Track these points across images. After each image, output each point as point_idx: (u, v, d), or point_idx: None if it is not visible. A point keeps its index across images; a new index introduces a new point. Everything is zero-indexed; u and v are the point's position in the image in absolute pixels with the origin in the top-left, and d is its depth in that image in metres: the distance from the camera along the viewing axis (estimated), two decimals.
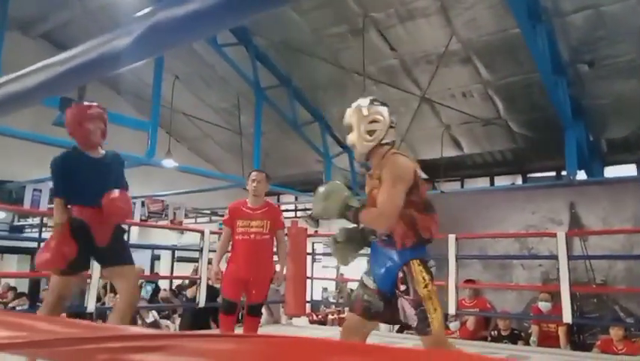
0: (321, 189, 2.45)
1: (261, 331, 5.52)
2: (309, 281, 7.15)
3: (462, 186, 12.76)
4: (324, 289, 14.08)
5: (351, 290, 14.38)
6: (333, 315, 10.02)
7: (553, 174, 11.41)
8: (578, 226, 7.07)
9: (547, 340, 5.79)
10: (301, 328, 6.01)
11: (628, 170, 10.41)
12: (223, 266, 4.05)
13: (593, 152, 10.01)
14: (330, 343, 0.56)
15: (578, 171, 9.32)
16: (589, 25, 8.29)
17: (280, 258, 4.16)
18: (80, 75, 0.90)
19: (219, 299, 4.65)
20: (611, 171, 10.36)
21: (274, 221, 4.02)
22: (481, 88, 10.20)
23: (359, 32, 9.69)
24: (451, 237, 5.67)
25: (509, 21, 8.27)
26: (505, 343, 5.88)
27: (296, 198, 15.66)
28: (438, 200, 9.74)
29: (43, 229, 15.01)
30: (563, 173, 9.86)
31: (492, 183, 12.41)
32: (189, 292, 7.19)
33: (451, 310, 5.52)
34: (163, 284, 10.79)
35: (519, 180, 12.13)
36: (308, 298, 7.00)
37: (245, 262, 3.84)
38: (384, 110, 2.56)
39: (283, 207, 16.81)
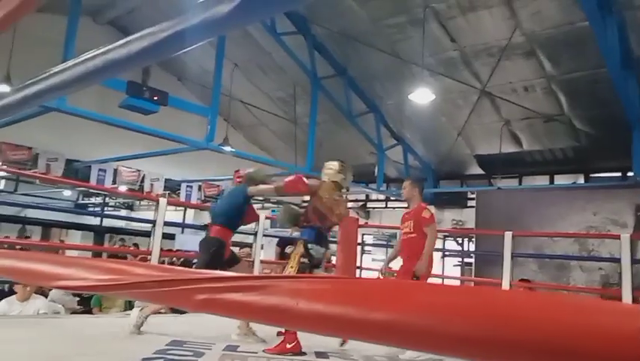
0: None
1: None
2: (358, 271, 7.21)
3: (520, 184, 12.41)
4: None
5: None
6: None
7: (618, 174, 10.90)
8: None
9: None
10: None
11: None
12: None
13: None
14: (416, 285, 0.60)
15: None
16: None
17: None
18: (182, 40, 0.97)
19: None
20: None
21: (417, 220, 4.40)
22: (544, 82, 9.87)
23: (419, 23, 9.57)
24: (508, 234, 5.55)
25: (577, 13, 7.96)
26: None
27: (348, 189, 15.70)
28: (494, 196, 9.55)
29: (105, 209, 15.77)
30: (630, 174, 9.42)
31: (552, 181, 12.00)
32: None
33: None
34: None
35: (580, 180, 11.68)
36: None
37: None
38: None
39: None
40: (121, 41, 1.09)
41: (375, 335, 0.50)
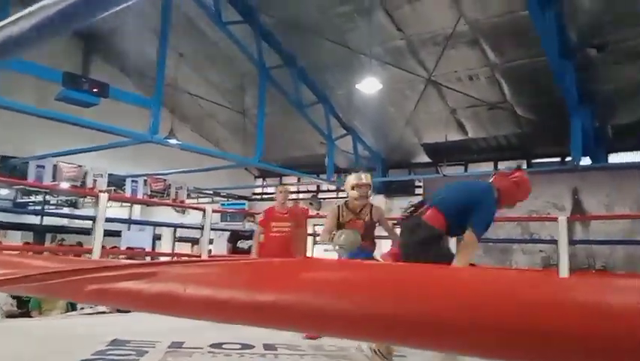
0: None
1: None
2: None
3: (466, 171, 12.71)
4: None
5: None
6: None
7: (557, 159, 11.33)
8: (581, 212, 7.05)
9: None
10: None
11: (633, 157, 10.32)
12: None
13: (598, 138, 9.93)
14: (306, 262, 0.56)
15: (583, 157, 9.27)
16: (598, 9, 8.16)
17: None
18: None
19: None
20: (615, 158, 10.28)
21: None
22: (487, 71, 10.11)
23: (366, 12, 9.59)
24: None
25: (518, 2, 8.17)
26: None
27: (299, 180, 15.65)
28: (441, 184, 9.74)
29: (46, 207, 15.09)
30: (568, 159, 9.81)
31: (496, 167, 12.35)
32: None
33: None
34: None
35: (524, 166, 12.02)
36: None
37: None
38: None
39: None
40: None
41: (264, 319, 0.45)
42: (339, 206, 4.02)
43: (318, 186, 15.53)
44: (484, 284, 0.42)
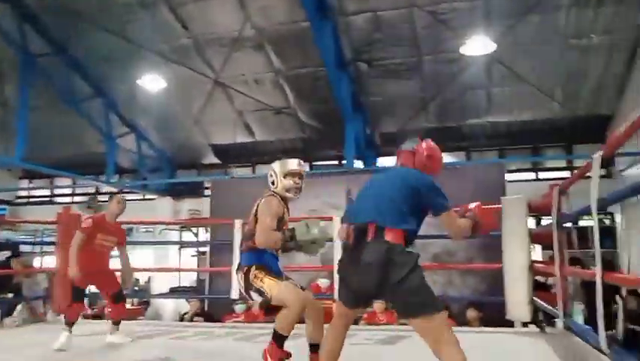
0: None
1: (20, 331, 4.79)
2: None
3: (253, 172, 12.97)
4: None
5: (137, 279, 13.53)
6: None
7: (335, 162, 12.31)
8: None
9: (325, 316, 6.17)
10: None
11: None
12: None
13: (369, 143, 11.06)
14: None
15: (356, 161, 10.20)
16: (368, 27, 9.07)
17: None
18: None
19: None
20: (383, 162, 11.58)
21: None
22: (272, 76, 10.44)
23: (149, 5, 9.08)
24: (237, 222, 5.65)
25: (300, 13, 8.58)
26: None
27: (74, 182, 14.12)
28: (229, 185, 9.72)
29: None
30: (344, 162, 10.70)
31: None
32: None
33: (235, 294, 5.52)
34: None
35: (307, 168, 12.79)
36: None
37: None
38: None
39: (58, 192, 15.06)
40: None
41: None
42: (277, 199, 2.93)
43: (97, 189, 14.23)
44: None
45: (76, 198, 14.28)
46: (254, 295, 2.76)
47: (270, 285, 2.70)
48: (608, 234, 9.40)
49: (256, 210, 2.87)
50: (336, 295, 2.83)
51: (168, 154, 13.19)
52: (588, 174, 2.64)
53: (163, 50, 9.87)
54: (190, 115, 11.63)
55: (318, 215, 7.61)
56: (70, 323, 3.83)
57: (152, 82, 9.80)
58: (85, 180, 12.88)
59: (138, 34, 9.63)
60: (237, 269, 2.87)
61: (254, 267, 2.78)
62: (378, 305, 6.09)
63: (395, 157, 2.90)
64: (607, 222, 9.39)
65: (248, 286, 2.77)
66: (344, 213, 2.76)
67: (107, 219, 4.11)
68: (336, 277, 2.59)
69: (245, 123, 11.83)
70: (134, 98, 11.18)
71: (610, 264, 6.45)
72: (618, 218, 9.10)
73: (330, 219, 5.63)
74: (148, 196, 13.42)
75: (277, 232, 2.76)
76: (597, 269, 2.40)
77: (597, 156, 2.54)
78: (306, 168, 3.31)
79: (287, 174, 2.98)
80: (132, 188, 13.20)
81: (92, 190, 14.38)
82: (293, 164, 3.01)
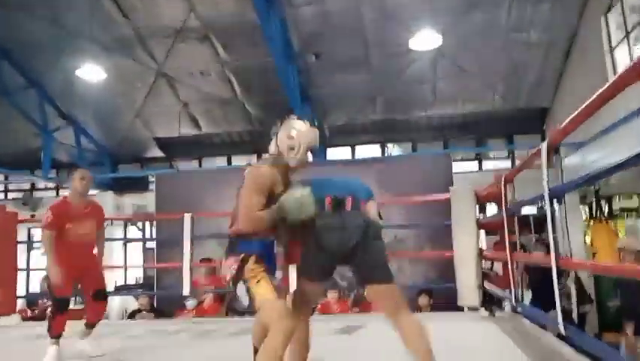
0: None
1: None
2: (23, 273, 6.15)
3: (200, 165, 12.71)
4: (45, 278, 12.47)
5: None
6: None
7: None
8: None
9: None
10: (10, 327, 5.08)
11: (345, 152, 11.87)
12: None
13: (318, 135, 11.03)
14: None
15: None
16: (316, 20, 9.04)
17: None
18: None
19: None
20: (332, 154, 11.62)
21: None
22: (219, 68, 10.23)
23: None
24: (187, 216, 5.51)
25: (247, 4, 8.42)
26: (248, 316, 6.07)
27: (6, 178, 13.34)
28: (174, 179, 9.48)
29: None
30: None
31: (229, 162, 12.67)
32: None
33: (186, 290, 5.39)
34: None
35: (254, 160, 12.63)
36: (21, 293, 6.05)
37: None
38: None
39: None
40: None
41: None
42: (270, 170, 2.30)
43: (32, 184, 13.52)
44: None
45: (11, 195, 13.50)
46: (241, 289, 2.22)
47: (264, 294, 2.16)
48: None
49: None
50: (298, 275, 2.34)
51: (109, 148, 12.70)
52: (537, 163, 2.72)
53: (102, 40, 9.45)
54: (132, 107, 11.24)
55: None
56: (56, 336, 3.30)
57: (91, 73, 9.35)
58: (19, 175, 12.18)
59: (74, 23, 9.17)
60: (230, 253, 2.26)
61: (254, 258, 2.22)
62: (332, 295, 6.13)
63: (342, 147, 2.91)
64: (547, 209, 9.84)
65: (239, 276, 2.21)
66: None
67: (72, 202, 3.42)
68: (305, 251, 2.31)
69: (190, 115, 11.55)
70: (71, 90, 10.66)
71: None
72: (556, 206, 9.57)
73: None
74: None
75: (263, 210, 2.18)
76: (552, 255, 2.48)
77: (544, 145, 2.63)
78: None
79: (311, 149, 2.37)
80: None
81: (27, 186, 13.64)
82: (304, 125, 2.34)
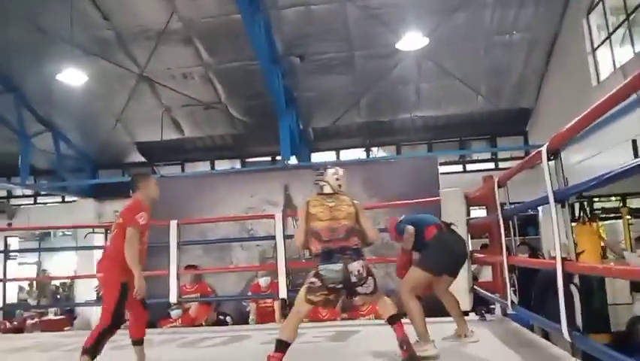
0: None
1: None
2: None
3: (182, 170, 12.52)
4: (20, 289, 12.21)
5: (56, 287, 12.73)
6: (33, 319, 8.53)
7: (268, 158, 12.11)
8: (291, 207, 7.56)
9: (265, 317, 6.03)
10: None
11: (330, 156, 11.79)
12: None
13: (302, 139, 10.97)
14: None
15: (291, 157, 10.09)
16: (300, 21, 8.98)
17: None
18: None
19: None
20: (317, 157, 11.55)
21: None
22: (202, 71, 10.11)
23: None
24: (173, 223, 5.39)
25: (231, 6, 8.31)
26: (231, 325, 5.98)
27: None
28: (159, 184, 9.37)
29: None
30: (278, 158, 10.55)
31: (213, 167, 12.52)
32: None
33: (173, 298, 5.26)
34: None
35: (238, 165, 12.52)
36: None
37: None
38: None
39: None
40: None
41: None
42: None
43: (9, 192, 13.19)
44: None
45: None
46: (370, 281, 3.03)
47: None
48: (532, 222, 9.93)
49: (356, 212, 3.15)
50: (437, 270, 3.45)
51: (90, 154, 12.46)
52: (539, 165, 2.68)
53: (82, 43, 9.26)
54: (113, 112, 11.04)
55: (256, 212, 7.47)
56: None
57: (70, 77, 9.16)
58: None
59: (53, 26, 8.98)
60: (358, 258, 3.01)
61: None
62: None
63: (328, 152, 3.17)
64: (530, 211, 9.89)
65: (369, 273, 3.04)
66: (411, 221, 3.58)
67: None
68: (434, 254, 3.44)
69: (172, 119, 11.38)
70: (50, 94, 10.43)
71: (534, 250, 6.81)
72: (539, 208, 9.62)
73: (272, 217, 5.53)
74: (68, 198, 12.63)
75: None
76: (557, 258, 2.44)
77: (544, 148, 2.59)
78: None
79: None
80: (50, 190, 12.36)
81: (3, 194, 13.31)
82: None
